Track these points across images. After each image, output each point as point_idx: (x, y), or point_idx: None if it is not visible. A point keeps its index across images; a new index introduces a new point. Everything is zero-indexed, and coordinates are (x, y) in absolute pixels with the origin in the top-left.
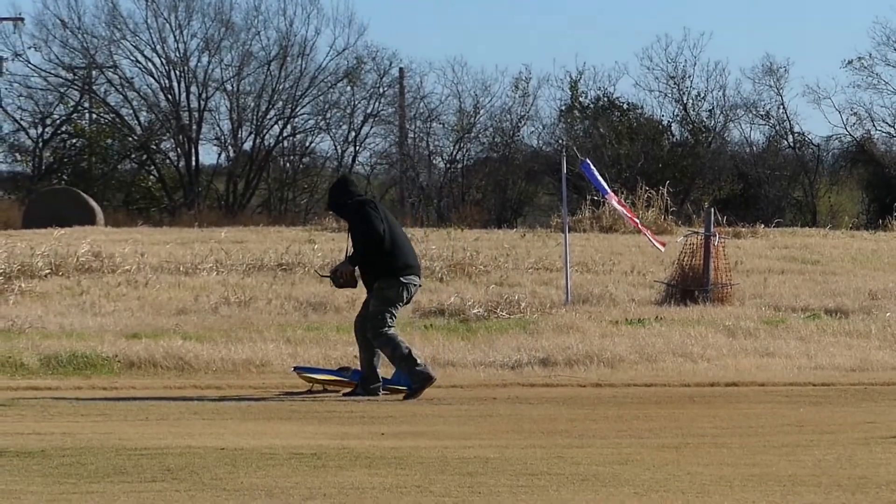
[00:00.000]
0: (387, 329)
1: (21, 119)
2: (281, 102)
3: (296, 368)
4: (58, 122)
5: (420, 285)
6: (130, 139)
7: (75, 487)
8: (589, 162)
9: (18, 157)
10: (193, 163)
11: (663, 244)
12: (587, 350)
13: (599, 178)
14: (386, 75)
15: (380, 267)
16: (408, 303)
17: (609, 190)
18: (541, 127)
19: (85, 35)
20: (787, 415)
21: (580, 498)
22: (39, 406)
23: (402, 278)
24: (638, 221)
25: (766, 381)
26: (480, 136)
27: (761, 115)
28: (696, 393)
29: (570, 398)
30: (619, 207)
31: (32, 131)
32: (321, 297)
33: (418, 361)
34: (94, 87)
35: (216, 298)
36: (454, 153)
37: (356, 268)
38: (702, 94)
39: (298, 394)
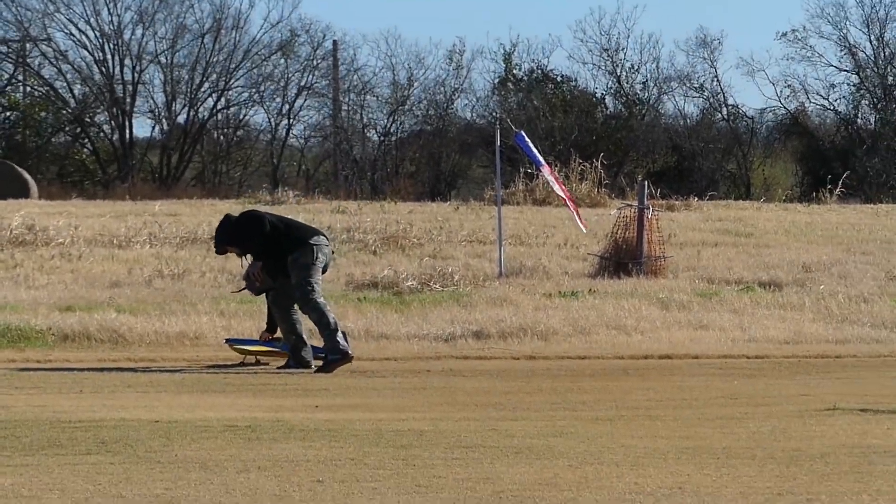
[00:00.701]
0: (315, 296)
1: None
2: (215, 75)
3: (228, 341)
4: None
5: (332, 249)
6: (64, 112)
7: (9, 460)
8: (524, 134)
9: None
10: (127, 136)
11: (586, 225)
12: (521, 323)
13: (534, 150)
14: (319, 48)
15: (285, 247)
16: (325, 270)
17: (543, 162)
18: (475, 100)
19: (19, 8)
20: (721, 387)
21: (514, 470)
22: None
23: (309, 241)
24: (569, 196)
25: (699, 353)
26: (414, 108)
27: (695, 88)
28: (630, 366)
29: (503, 371)
30: (552, 180)
31: None
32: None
33: (341, 340)
34: (27, 60)
35: (150, 271)
36: (388, 126)
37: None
38: (635, 67)
39: (232, 366)
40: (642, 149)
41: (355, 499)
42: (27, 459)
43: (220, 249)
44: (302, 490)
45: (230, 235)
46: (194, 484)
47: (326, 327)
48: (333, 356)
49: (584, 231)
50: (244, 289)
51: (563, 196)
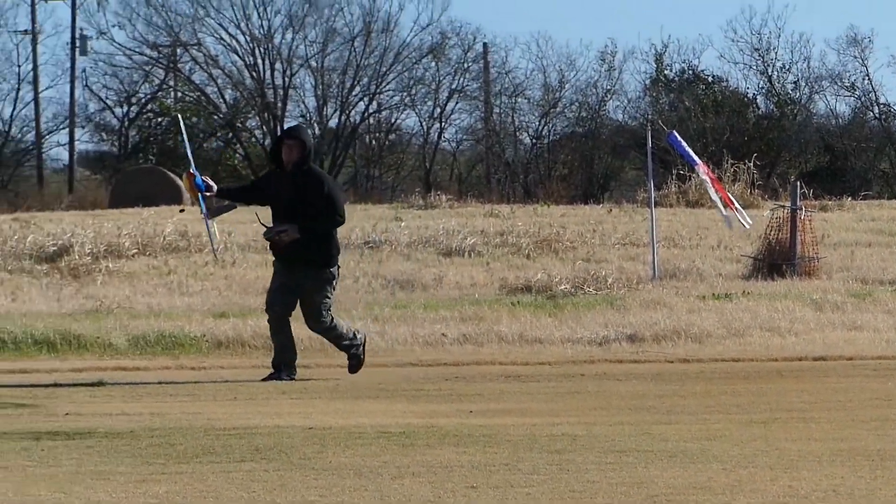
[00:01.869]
0: (332, 319)
1: (106, 98)
2: (366, 79)
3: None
4: (143, 100)
5: None
6: (216, 117)
7: (164, 468)
8: (676, 133)
9: (104, 137)
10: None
11: (743, 223)
12: (674, 325)
13: (688, 149)
14: (470, 51)
15: (325, 248)
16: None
17: (698, 160)
18: (626, 101)
19: (169, 13)
20: (875, 389)
21: (668, 474)
22: (128, 386)
23: (337, 261)
24: (725, 194)
25: (854, 354)
26: (566, 111)
27: (846, 87)
28: (784, 367)
29: (657, 374)
30: (707, 179)
31: (118, 110)
32: (409, 275)
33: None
34: (178, 66)
35: None
36: (540, 128)
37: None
38: (786, 66)
39: (386, 372)
40: (794, 149)
41: None
42: (181, 467)
43: (297, 161)
44: (456, 496)
45: (302, 149)
46: (349, 490)
47: (349, 343)
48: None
49: (746, 227)
50: (270, 233)
51: (719, 195)
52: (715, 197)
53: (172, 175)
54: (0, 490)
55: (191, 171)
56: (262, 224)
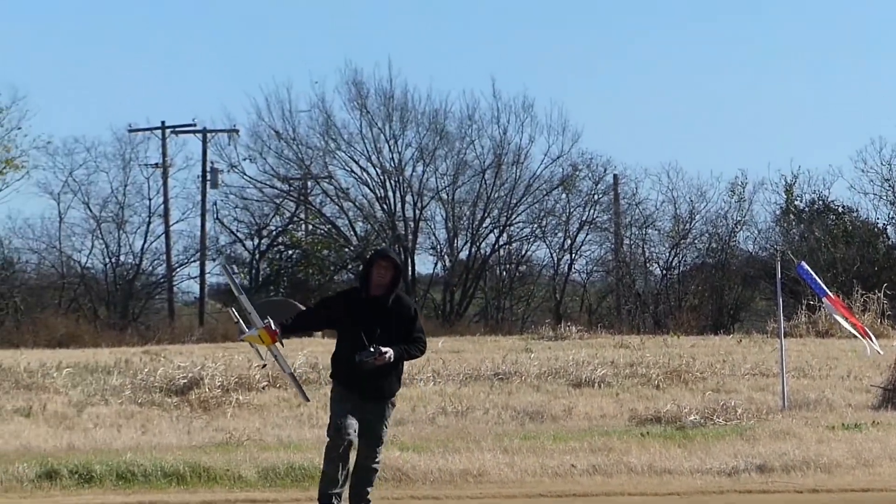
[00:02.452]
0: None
1: (237, 231)
2: (496, 211)
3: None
4: (274, 233)
5: None
6: (347, 250)
7: None
8: (805, 265)
9: (236, 269)
10: (410, 272)
11: (874, 348)
12: (804, 456)
13: (817, 279)
14: (601, 182)
15: (398, 377)
16: None
17: (827, 291)
18: (756, 232)
19: (300, 146)
20: None
21: None
22: None
23: None
24: (858, 323)
25: None
26: (696, 241)
27: None
28: None
29: None
30: (834, 310)
31: (249, 243)
32: (538, 406)
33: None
34: (309, 198)
35: (433, 408)
36: (670, 259)
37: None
38: None
39: (513, 499)
40: None
41: None
42: None
43: (390, 283)
44: None
45: (397, 272)
46: None
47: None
48: None
49: (881, 353)
50: (371, 355)
51: (850, 325)
52: (847, 325)
53: (303, 308)
54: None
55: (273, 328)
56: (240, 325)
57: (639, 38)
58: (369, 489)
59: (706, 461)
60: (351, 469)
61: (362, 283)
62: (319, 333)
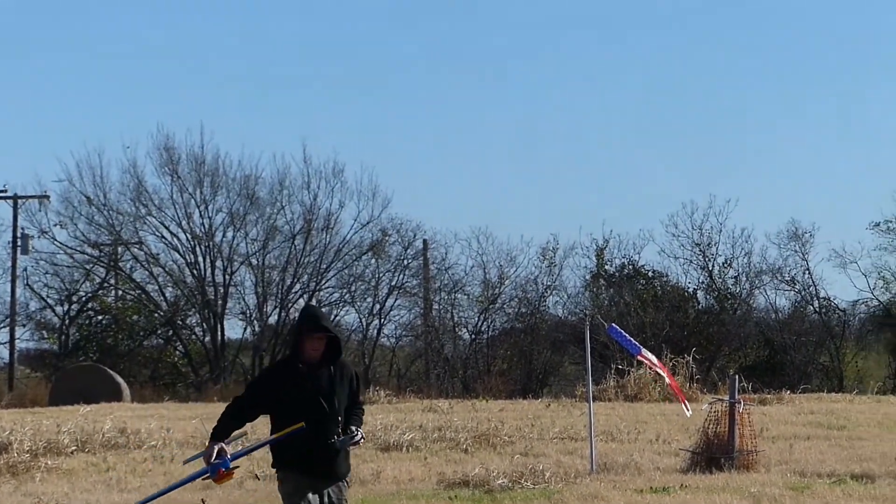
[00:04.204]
0: None
1: (47, 296)
2: (306, 276)
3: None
4: (84, 298)
5: None
6: (156, 315)
7: None
8: (616, 326)
9: (45, 335)
10: (219, 337)
11: (687, 410)
12: None
13: (630, 338)
14: (410, 247)
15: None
16: None
17: (641, 349)
18: (566, 296)
19: (110, 212)
20: None
21: None
22: None
23: None
24: (674, 381)
25: None
26: (506, 306)
27: (787, 281)
28: None
29: None
30: (654, 362)
31: (59, 308)
32: None
33: None
34: (119, 264)
35: (241, 472)
36: (479, 324)
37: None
38: (727, 261)
39: None
40: (734, 343)
41: None
42: None
43: (327, 354)
44: None
45: (334, 341)
46: None
47: None
48: None
49: (689, 415)
50: (353, 442)
51: (670, 378)
52: (671, 377)
53: (112, 373)
54: None
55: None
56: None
57: (452, 102)
58: None
59: None
60: None
61: (295, 353)
62: (130, 398)
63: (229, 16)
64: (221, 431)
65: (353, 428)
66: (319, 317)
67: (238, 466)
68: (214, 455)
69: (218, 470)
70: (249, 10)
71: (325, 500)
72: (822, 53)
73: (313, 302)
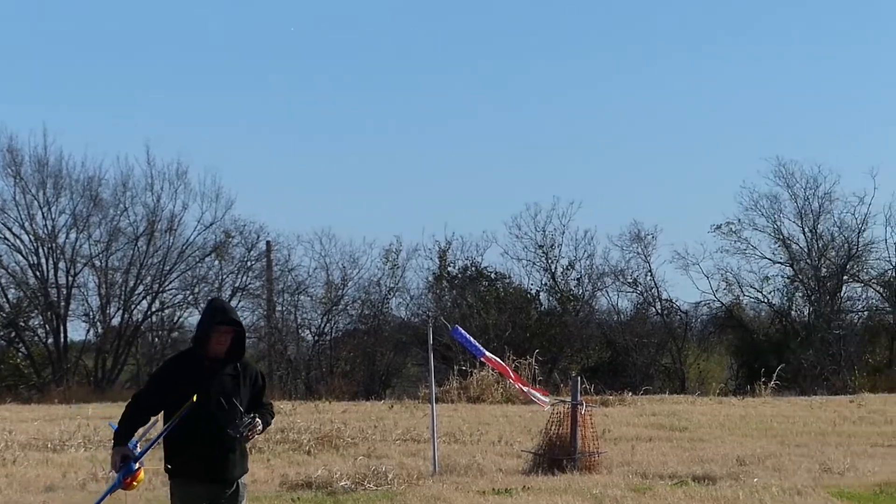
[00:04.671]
0: None
1: None
2: (149, 278)
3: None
4: None
5: None
6: None
7: None
8: (459, 327)
9: None
10: (62, 339)
11: (543, 402)
12: None
13: (473, 341)
14: (254, 249)
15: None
16: None
17: (485, 351)
18: (409, 298)
19: None
20: None
21: None
22: None
23: None
24: (518, 378)
25: None
26: (349, 308)
27: (629, 283)
28: None
29: None
30: (498, 363)
31: None
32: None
33: None
34: None
35: (84, 474)
36: (322, 326)
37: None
38: (570, 263)
39: None
40: (576, 344)
41: None
42: None
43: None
44: None
45: (241, 341)
46: None
47: None
48: None
49: (546, 407)
50: (243, 432)
51: (514, 376)
52: (515, 375)
53: None
54: None
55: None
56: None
57: (295, 105)
58: None
59: None
60: None
61: (200, 346)
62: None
63: (71, 13)
64: (124, 435)
65: (248, 415)
66: (228, 310)
67: (142, 467)
68: (119, 461)
69: (123, 479)
70: (88, 7)
71: (225, 498)
72: (665, 53)
73: (156, 304)
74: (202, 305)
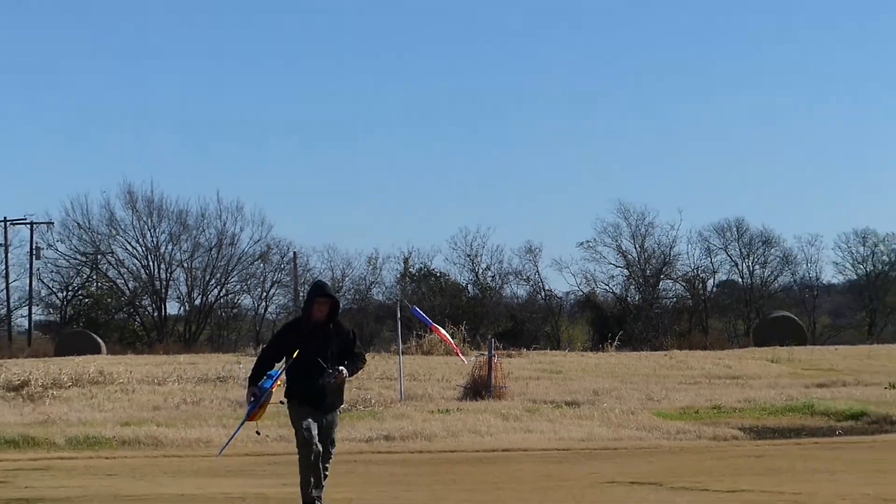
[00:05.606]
0: None
1: (52, 286)
2: (218, 274)
3: (219, 454)
4: (76, 288)
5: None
6: (122, 299)
7: None
8: (416, 308)
9: (51, 311)
10: (163, 313)
11: (463, 359)
12: (414, 429)
13: (425, 316)
14: (285, 256)
15: (343, 391)
16: None
17: (431, 322)
18: (385, 288)
19: (93, 232)
20: (541, 469)
21: None
22: (65, 470)
23: None
24: (452, 343)
25: (527, 447)
26: (346, 294)
27: (524, 279)
28: (484, 457)
29: (403, 461)
30: (442, 330)
31: (60, 294)
32: (243, 398)
33: None
34: (98, 266)
35: (177, 399)
36: None
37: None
38: (488, 266)
39: (232, 459)
40: (491, 318)
41: None
42: None
43: (329, 313)
44: None
45: (334, 305)
46: None
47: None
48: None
49: (465, 361)
50: (332, 378)
51: (449, 343)
52: (451, 341)
53: (94, 335)
54: None
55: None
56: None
57: (321, 152)
58: (327, 474)
59: (351, 433)
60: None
61: (305, 315)
62: (106, 352)
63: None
64: (255, 377)
65: (339, 367)
66: (325, 287)
67: (267, 402)
68: (250, 396)
69: (251, 411)
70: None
71: (323, 422)
72: (549, 91)
73: (223, 291)
74: (254, 293)
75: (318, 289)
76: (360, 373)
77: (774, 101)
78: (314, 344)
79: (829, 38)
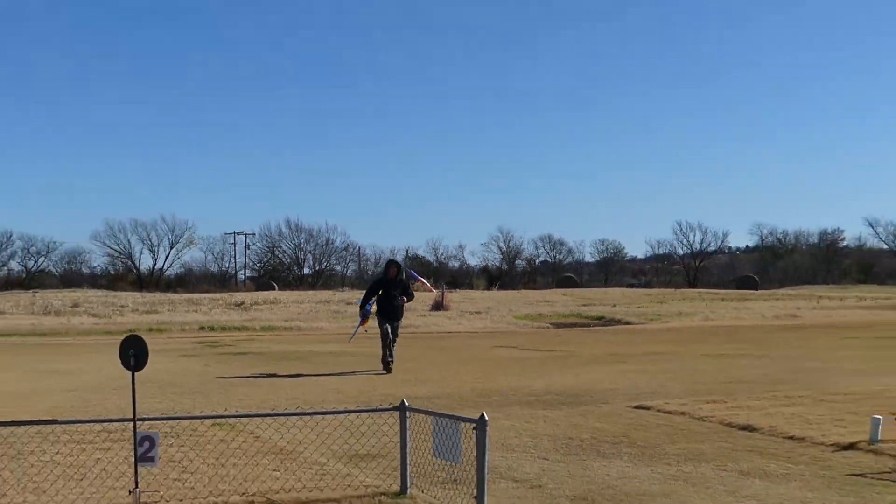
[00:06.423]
0: None
1: (253, 262)
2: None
3: (350, 340)
4: (264, 262)
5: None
6: (284, 266)
7: None
8: (412, 271)
9: (253, 270)
10: (305, 271)
11: (434, 291)
12: (409, 324)
13: (416, 274)
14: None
15: (403, 310)
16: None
17: (419, 277)
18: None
19: (270, 238)
20: (466, 341)
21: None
22: (260, 341)
23: None
24: (429, 285)
25: (459, 331)
26: (373, 275)
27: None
28: (440, 335)
29: (412, 338)
30: (425, 282)
31: (256, 266)
32: (357, 312)
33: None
34: (275, 252)
35: (310, 310)
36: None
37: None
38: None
39: None
40: (447, 276)
41: None
42: None
43: (395, 278)
44: None
45: (399, 273)
46: None
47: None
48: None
49: (434, 292)
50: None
51: (426, 284)
52: (427, 284)
53: (273, 282)
54: None
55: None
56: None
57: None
58: (394, 350)
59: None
60: (391, 347)
61: (384, 273)
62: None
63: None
64: (364, 303)
65: (402, 297)
66: (394, 260)
67: (369, 315)
68: (361, 313)
69: (362, 321)
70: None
71: (394, 325)
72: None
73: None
74: (339, 269)
75: (390, 261)
76: (410, 302)
77: None
78: (389, 287)
79: None
